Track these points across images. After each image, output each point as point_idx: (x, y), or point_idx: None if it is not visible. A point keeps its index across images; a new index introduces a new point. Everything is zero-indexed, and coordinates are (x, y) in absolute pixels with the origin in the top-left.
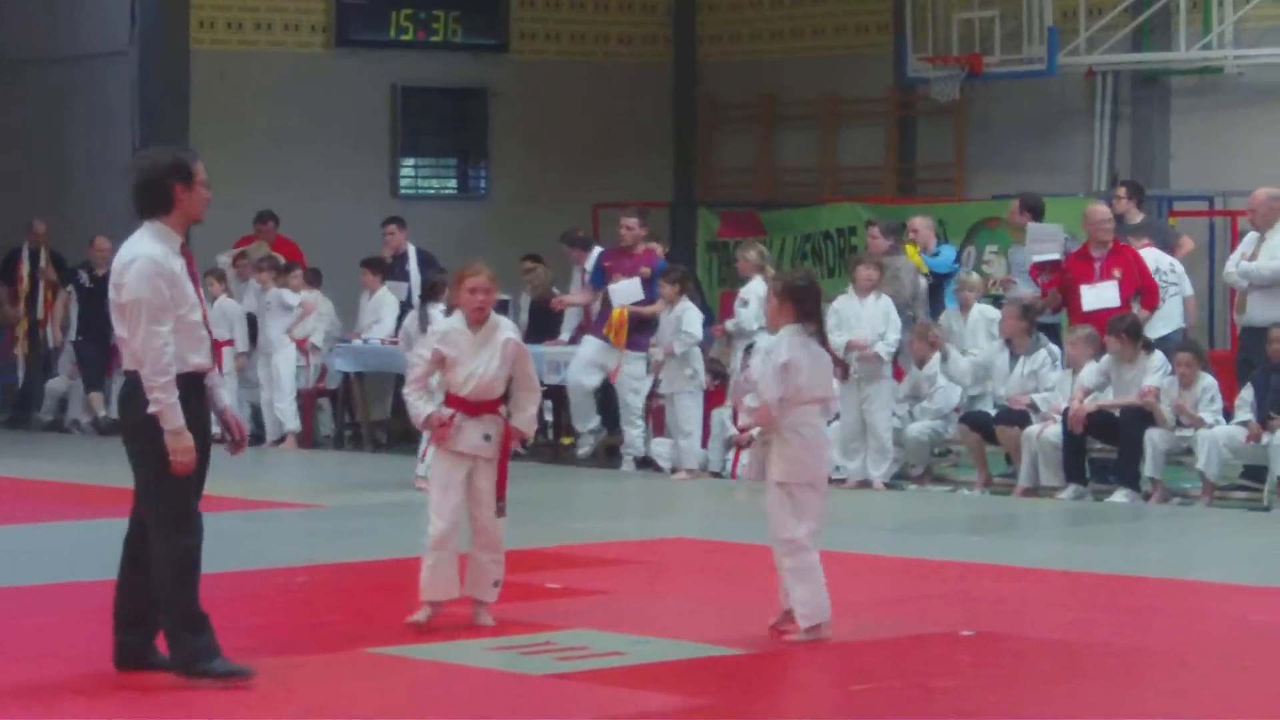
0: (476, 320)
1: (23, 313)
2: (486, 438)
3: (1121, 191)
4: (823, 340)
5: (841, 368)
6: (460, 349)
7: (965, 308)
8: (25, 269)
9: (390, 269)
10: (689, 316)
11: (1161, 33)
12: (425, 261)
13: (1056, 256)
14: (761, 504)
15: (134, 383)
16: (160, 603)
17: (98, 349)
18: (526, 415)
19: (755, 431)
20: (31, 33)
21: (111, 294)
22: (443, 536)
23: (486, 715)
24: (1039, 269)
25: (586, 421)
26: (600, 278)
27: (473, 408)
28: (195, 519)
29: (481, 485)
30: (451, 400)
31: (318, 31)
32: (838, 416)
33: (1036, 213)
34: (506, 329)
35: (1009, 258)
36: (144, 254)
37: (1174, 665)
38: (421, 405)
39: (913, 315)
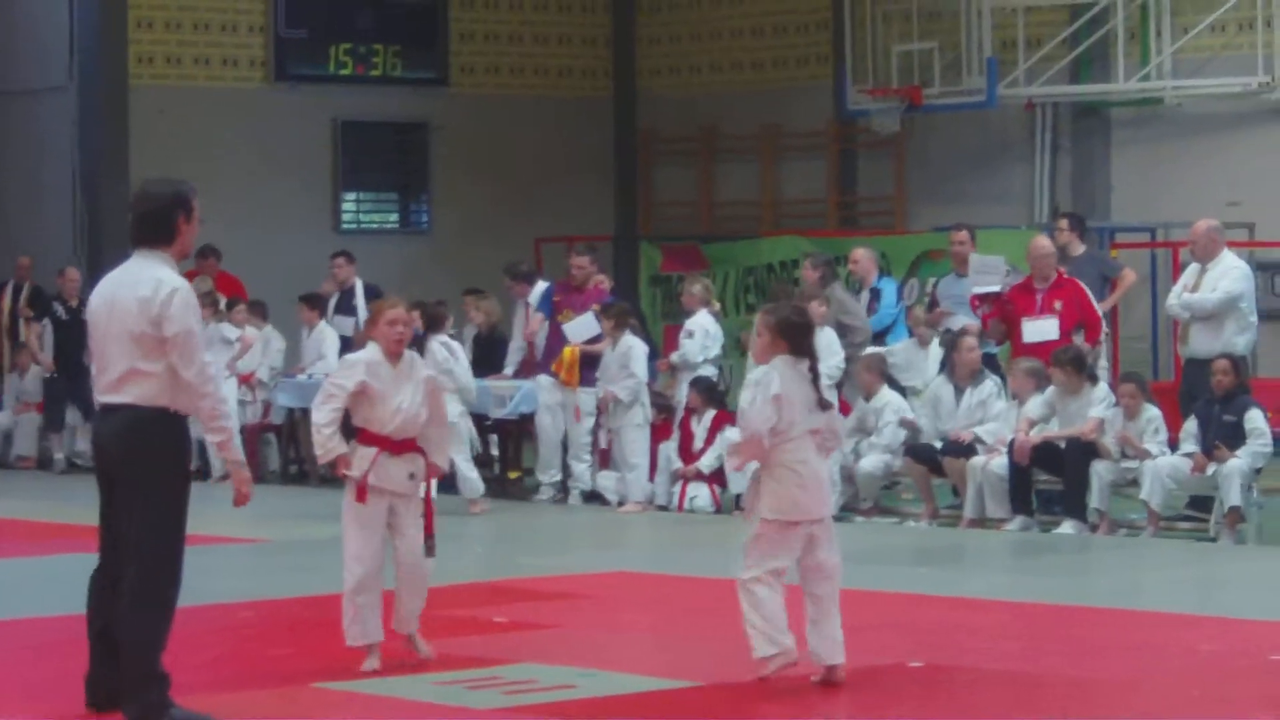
0: (396, 353)
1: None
2: (412, 476)
3: (1063, 224)
4: (814, 375)
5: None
6: (383, 382)
7: (923, 342)
8: (6, 304)
9: (338, 303)
10: (635, 354)
11: (1101, 64)
12: (373, 295)
13: (997, 289)
14: None
15: (153, 419)
16: (128, 650)
17: (67, 385)
18: (444, 453)
19: (752, 466)
20: None
21: (140, 324)
22: (366, 580)
23: None
24: (979, 300)
25: (550, 470)
26: (549, 309)
27: (396, 445)
28: (181, 569)
29: (406, 523)
30: (371, 438)
31: (256, 66)
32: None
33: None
34: (422, 365)
35: (940, 289)
36: (181, 284)
37: (1123, 695)
38: (338, 443)
39: (861, 342)
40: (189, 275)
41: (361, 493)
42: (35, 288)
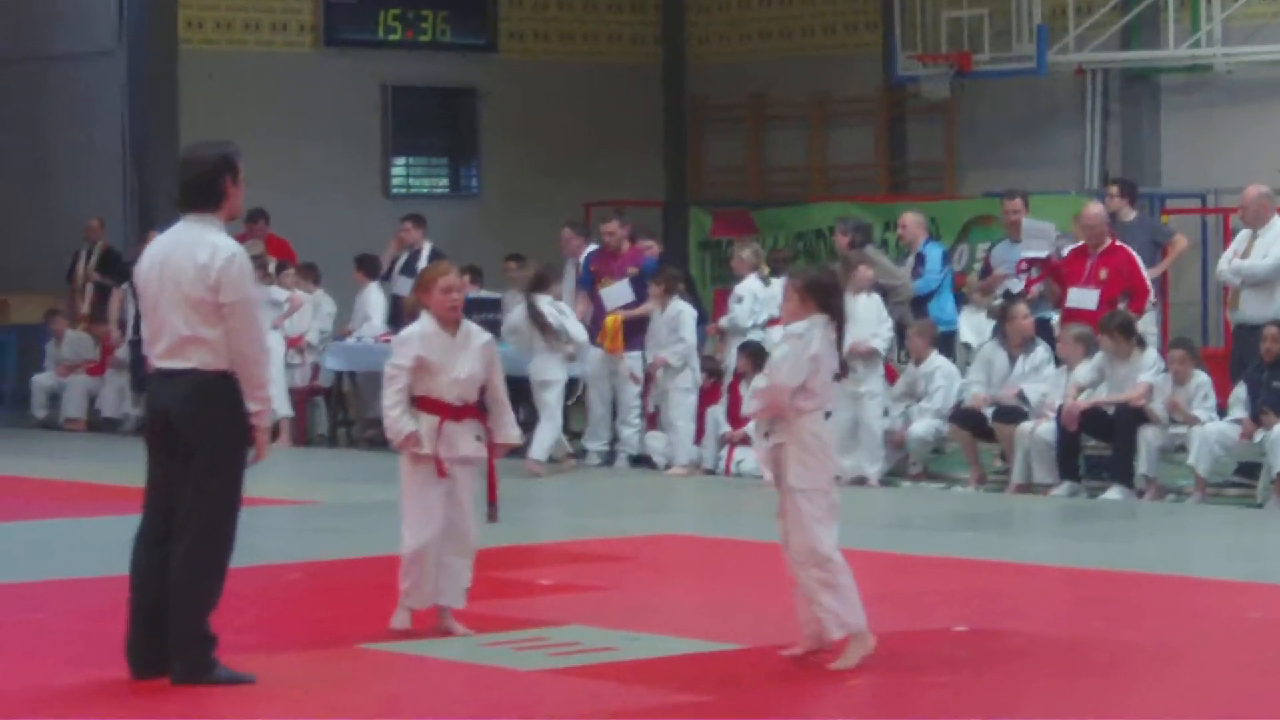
0: (452, 320)
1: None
2: (478, 438)
3: (1114, 190)
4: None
5: (842, 368)
6: (438, 353)
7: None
8: (81, 266)
9: (404, 265)
10: (684, 318)
11: (1150, 30)
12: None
13: (1045, 254)
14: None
15: (217, 383)
16: (180, 610)
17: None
18: (510, 427)
19: (756, 425)
20: (16, 32)
21: (198, 290)
22: (424, 548)
23: (481, 711)
24: (1027, 264)
25: (598, 439)
26: (588, 281)
27: (457, 412)
28: (235, 532)
29: (462, 492)
30: (432, 404)
31: (306, 31)
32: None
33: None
34: (479, 331)
35: (994, 255)
36: (238, 250)
37: (1168, 661)
38: (407, 421)
39: (903, 300)
40: (238, 239)
41: (440, 468)
42: (109, 250)
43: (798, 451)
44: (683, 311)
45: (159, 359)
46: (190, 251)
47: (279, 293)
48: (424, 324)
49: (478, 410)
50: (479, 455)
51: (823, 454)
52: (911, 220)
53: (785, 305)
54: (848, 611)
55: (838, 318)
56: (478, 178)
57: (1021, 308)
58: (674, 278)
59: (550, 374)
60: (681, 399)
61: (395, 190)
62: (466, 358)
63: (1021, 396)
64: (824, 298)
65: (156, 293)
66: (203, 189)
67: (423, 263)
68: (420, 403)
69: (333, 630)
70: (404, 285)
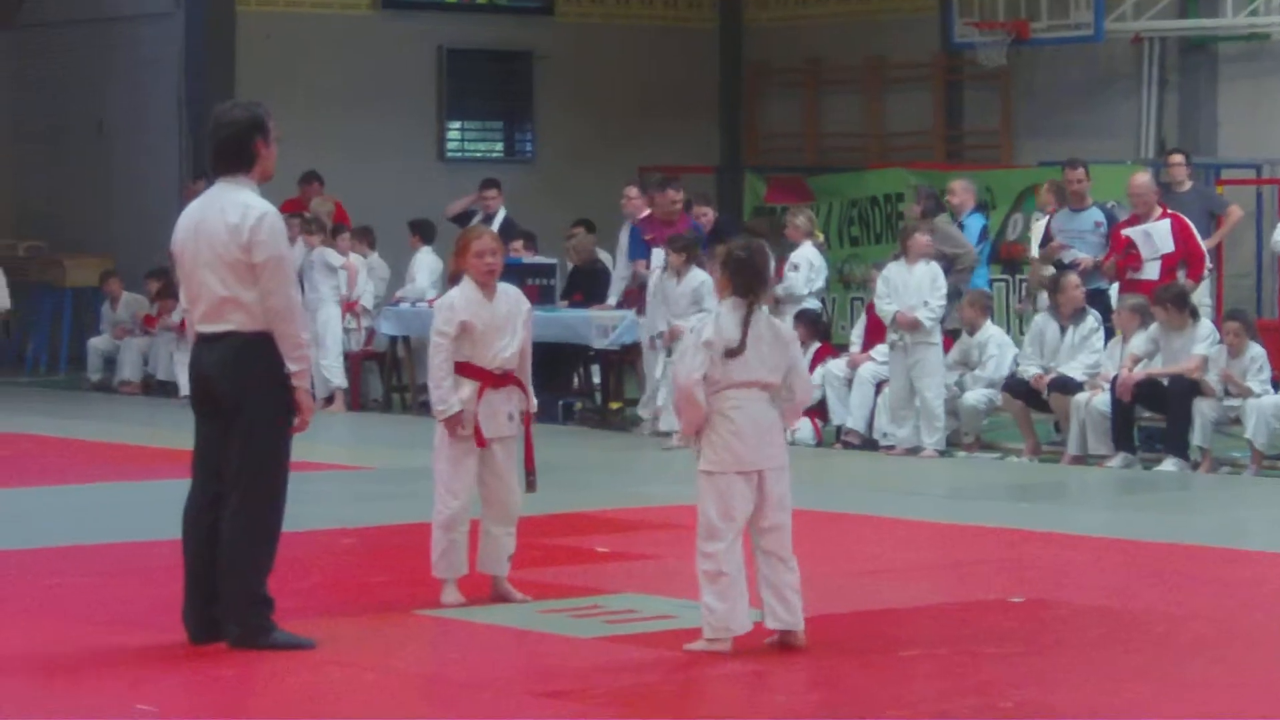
0: (488, 285)
1: None
2: (511, 417)
3: (1178, 159)
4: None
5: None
6: (484, 319)
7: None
8: None
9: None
10: (706, 289)
11: None
12: (509, 227)
13: (1170, 249)
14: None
15: (256, 344)
16: (233, 574)
17: None
18: (532, 396)
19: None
20: None
21: (232, 251)
22: (457, 515)
23: (538, 678)
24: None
25: (652, 405)
26: (638, 249)
27: (499, 380)
28: (284, 493)
29: (500, 460)
30: (474, 371)
31: None
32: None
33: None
34: (518, 296)
35: (1054, 223)
36: (269, 209)
37: (1221, 633)
38: (454, 400)
39: (967, 268)
40: (292, 203)
41: (479, 438)
42: None
43: (706, 431)
44: (705, 282)
45: (198, 323)
46: (222, 213)
47: (335, 257)
48: (464, 289)
49: (516, 380)
50: (511, 433)
51: (731, 434)
52: (960, 187)
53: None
54: (723, 616)
55: (753, 297)
56: (533, 142)
57: (1072, 278)
58: (693, 244)
59: None
60: None
61: (450, 154)
62: (513, 324)
63: (1061, 378)
64: (737, 274)
65: (193, 256)
66: (234, 150)
67: (495, 229)
68: (462, 369)
69: (388, 596)
70: None
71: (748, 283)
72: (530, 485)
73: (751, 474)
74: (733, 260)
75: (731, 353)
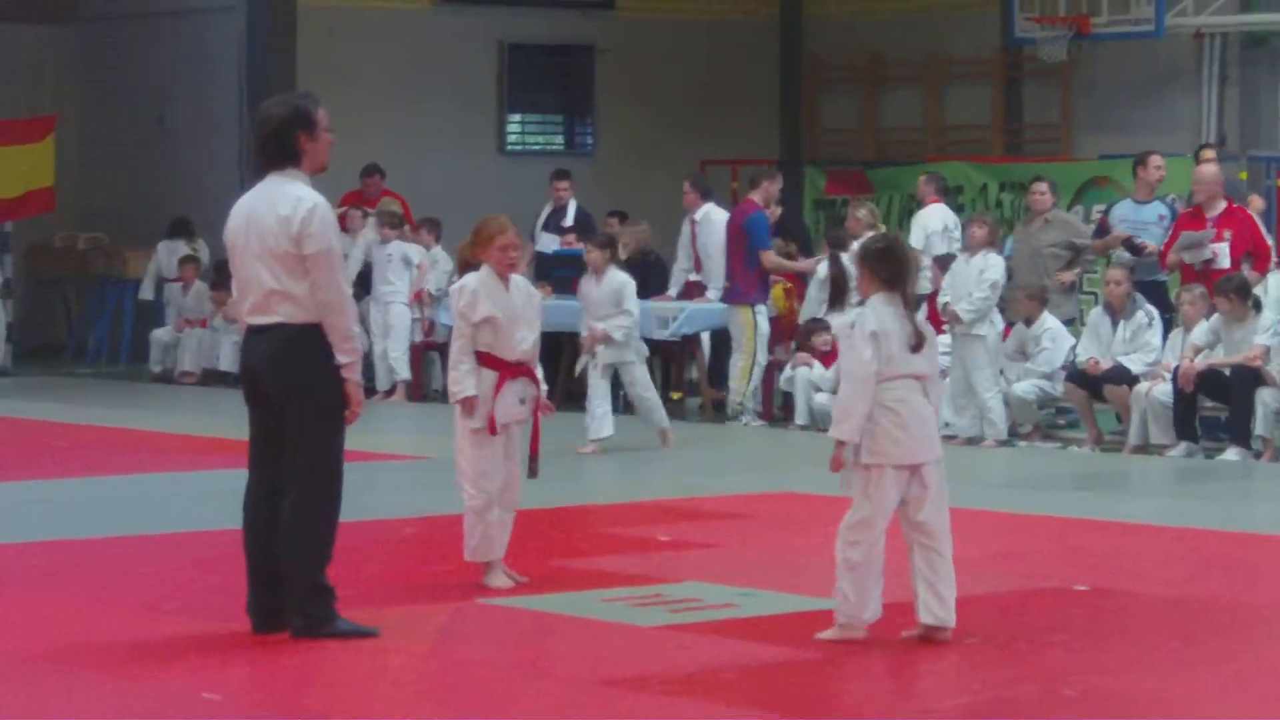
0: (506, 276)
1: None
2: (522, 402)
3: (1209, 154)
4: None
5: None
6: (504, 310)
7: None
8: None
9: (546, 221)
10: (627, 290)
11: None
12: (583, 218)
13: (1208, 256)
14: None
15: (305, 336)
16: (292, 564)
17: None
18: (543, 384)
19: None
20: None
21: (282, 243)
22: (490, 501)
23: (602, 666)
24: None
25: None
26: (764, 239)
27: (515, 370)
28: (341, 482)
29: (514, 447)
30: (493, 361)
31: None
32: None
33: None
34: (530, 287)
35: (1115, 213)
36: (320, 201)
37: None
38: (470, 384)
39: (1091, 260)
40: (353, 195)
41: (493, 426)
42: None
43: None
44: (626, 282)
45: (248, 315)
46: (272, 205)
47: (416, 252)
48: (483, 279)
49: (530, 370)
50: (523, 418)
51: (894, 425)
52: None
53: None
54: (856, 605)
55: (904, 288)
56: (593, 135)
57: (1114, 272)
58: (611, 243)
59: None
60: (636, 373)
61: (511, 147)
62: (531, 315)
63: (1111, 369)
64: (877, 267)
65: (243, 249)
66: (277, 145)
67: (566, 220)
68: (483, 359)
69: (450, 584)
70: (546, 242)
71: (895, 273)
72: (533, 471)
73: (911, 467)
74: (871, 253)
75: (915, 346)
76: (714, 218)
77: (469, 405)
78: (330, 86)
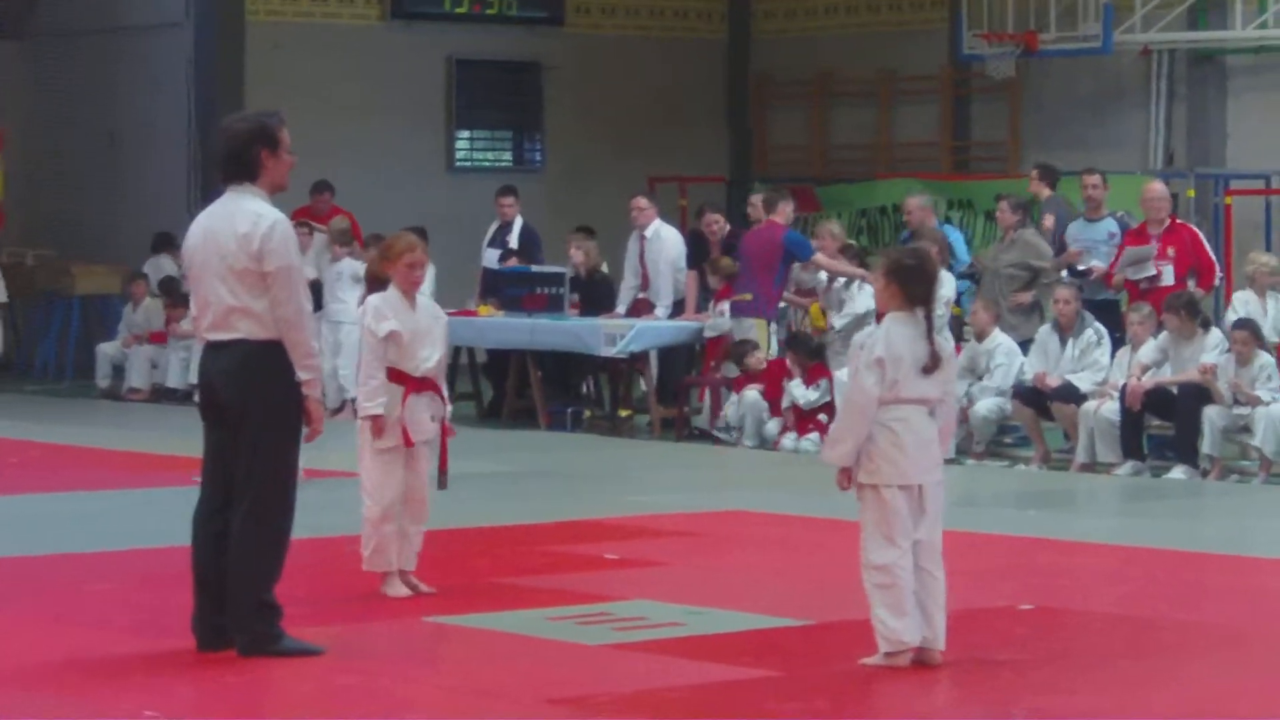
0: (410, 294)
1: None
2: (432, 419)
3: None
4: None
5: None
6: (409, 328)
7: None
8: None
9: (492, 238)
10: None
11: (1217, 11)
12: (528, 235)
13: (1151, 273)
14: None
15: (264, 351)
16: (239, 582)
17: None
18: (448, 403)
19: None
20: (86, 3)
21: (241, 260)
22: (390, 510)
23: (547, 685)
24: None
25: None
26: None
27: (420, 385)
28: (294, 501)
29: (420, 460)
30: (399, 376)
31: (372, 3)
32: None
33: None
34: (434, 306)
35: (1069, 233)
36: (279, 218)
37: (1232, 641)
38: (377, 404)
39: (1051, 283)
40: (303, 210)
41: (407, 438)
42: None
43: (865, 441)
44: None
45: (207, 331)
46: (231, 222)
47: (361, 268)
48: (390, 297)
49: (436, 385)
50: (433, 435)
51: (891, 444)
52: (915, 205)
53: (876, 291)
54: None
55: (927, 308)
56: (541, 152)
57: (1063, 291)
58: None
59: None
60: None
61: (459, 164)
62: (437, 331)
63: (1064, 384)
64: (915, 287)
65: (201, 265)
66: (237, 161)
67: (511, 236)
68: (387, 374)
69: (397, 603)
70: (491, 258)
71: (922, 293)
72: (441, 483)
73: (911, 487)
74: (902, 269)
75: (926, 369)
76: (664, 234)
77: (378, 426)
78: (278, 102)
